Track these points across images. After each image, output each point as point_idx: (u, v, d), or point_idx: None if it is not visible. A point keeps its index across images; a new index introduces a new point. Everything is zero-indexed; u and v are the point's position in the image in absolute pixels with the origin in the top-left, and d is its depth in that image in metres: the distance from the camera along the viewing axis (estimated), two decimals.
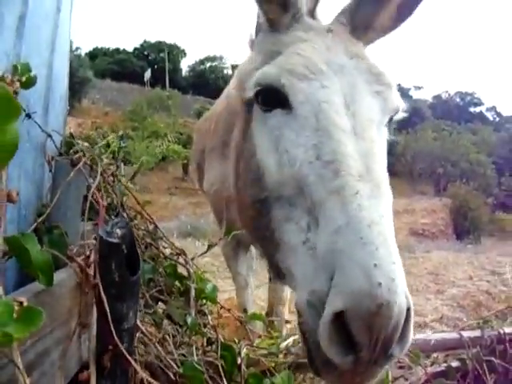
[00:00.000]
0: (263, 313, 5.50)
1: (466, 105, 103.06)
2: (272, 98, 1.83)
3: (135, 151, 27.30)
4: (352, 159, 1.56)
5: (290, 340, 2.45)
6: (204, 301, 2.28)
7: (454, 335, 2.90)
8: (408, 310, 1.40)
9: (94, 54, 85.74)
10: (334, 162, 1.57)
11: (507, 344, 3.10)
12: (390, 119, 1.94)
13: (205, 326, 2.21)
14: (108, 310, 1.25)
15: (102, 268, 1.26)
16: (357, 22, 2.06)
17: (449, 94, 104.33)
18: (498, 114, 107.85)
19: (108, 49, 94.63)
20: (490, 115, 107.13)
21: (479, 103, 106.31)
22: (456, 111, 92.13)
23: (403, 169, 52.81)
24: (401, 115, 2.01)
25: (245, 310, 4.08)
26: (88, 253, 1.73)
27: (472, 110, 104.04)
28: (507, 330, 3.22)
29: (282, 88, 1.78)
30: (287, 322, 4.36)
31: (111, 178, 2.61)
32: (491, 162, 49.76)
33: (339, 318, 1.33)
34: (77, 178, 1.91)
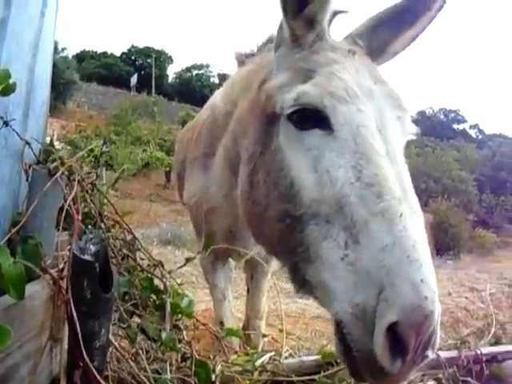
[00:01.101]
0: (240, 325, 5.46)
1: (449, 121, 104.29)
2: (310, 117, 1.87)
3: (118, 156, 27.12)
4: (392, 183, 1.67)
5: (266, 357, 2.41)
6: (180, 315, 2.24)
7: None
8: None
9: (81, 57, 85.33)
10: (376, 184, 1.68)
11: (484, 364, 3.10)
12: None
13: (180, 341, 2.17)
14: (78, 328, 1.22)
15: (74, 285, 1.22)
16: (373, 45, 2.15)
17: (433, 111, 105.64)
18: (481, 132, 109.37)
19: (95, 52, 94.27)
20: (473, 132, 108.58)
21: (463, 120, 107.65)
22: (439, 127, 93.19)
23: None
24: (409, 137, 2.06)
25: (221, 323, 4.02)
26: (62, 265, 1.70)
27: (455, 126, 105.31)
28: (484, 350, 3.22)
29: (323, 109, 1.83)
30: (264, 335, 4.30)
31: (90, 186, 2.56)
32: (473, 179, 50.41)
33: (393, 328, 1.46)
34: (54, 188, 1.87)
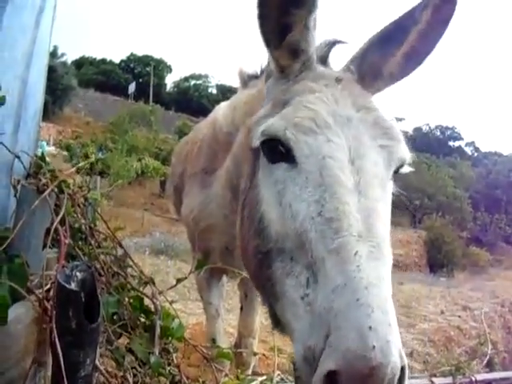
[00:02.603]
0: (232, 341, 5.39)
1: (445, 138, 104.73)
2: (277, 150, 1.81)
3: (114, 165, 27.04)
4: (353, 218, 1.56)
5: (257, 382, 2.34)
6: (169, 338, 2.17)
7: (425, 382, 2.83)
8: (402, 368, 1.37)
9: (80, 63, 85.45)
10: (335, 220, 1.57)
11: None
12: (396, 171, 1.90)
13: (169, 364, 2.10)
14: (61, 359, 1.15)
15: (59, 314, 1.16)
16: (365, 70, 2.05)
17: (429, 127, 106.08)
18: (477, 149, 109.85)
19: (94, 58, 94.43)
20: (468, 150, 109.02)
21: (459, 138, 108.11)
22: (436, 144, 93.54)
23: None
24: (407, 169, 1.97)
25: (213, 341, 3.96)
26: (49, 285, 1.63)
27: (451, 143, 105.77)
28: (479, 377, 3.16)
29: (286, 141, 1.77)
30: (255, 353, 4.25)
31: (82, 200, 2.49)
32: (468, 196, 50.58)
33: (333, 377, 1.33)
34: (42, 206, 1.81)
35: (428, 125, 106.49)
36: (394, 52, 2.04)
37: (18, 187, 1.85)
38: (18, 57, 1.88)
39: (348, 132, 1.76)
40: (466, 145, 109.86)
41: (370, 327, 1.32)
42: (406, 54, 2.04)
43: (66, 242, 1.61)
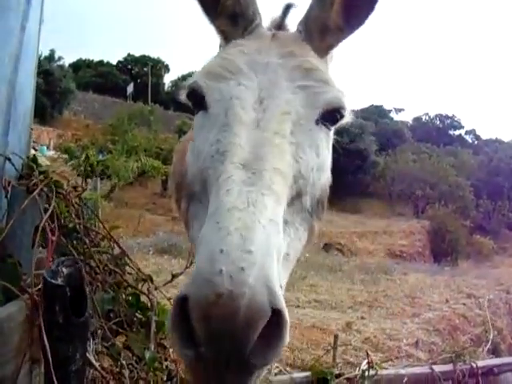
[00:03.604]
0: None
1: (445, 127, 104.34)
2: (198, 100, 1.85)
3: (113, 166, 27.08)
4: (239, 148, 1.54)
5: None
6: (166, 333, 2.18)
7: (426, 369, 2.84)
8: (276, 311, 1.20)
9: (77, 66, 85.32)
10: (225, 152, 1.56)
11: (479, 377, 3.04)
12: (333, 120, 1.86)
13: (166, 359, 2.11)
14: (49, 353, 1.17)
15: (46, 309, 1.17)
16: (311, 27, 2.02)
17: (429, 117, 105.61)
18: (477, 137, 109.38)
19: (92, 61, 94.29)
20: (469, 138, 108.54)
21: (459, 126, 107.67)
22: (436, 134, 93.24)
23: (382, 190, 53.38)
24: (349, 119, 1.94)
25: None
26: (41, 284, 1.64)
27: (451, 132, 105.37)
28: (480, 363, 3.17)
29: (200, 89, 1.81)
30: None
31: (76, 200, 2.51)
32: (469, 184, 50.47)
33: (183, 303, 1.20)
34: (33, 206, 1.82)
35: (427, 114, 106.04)
36: (328, 4, 1.96)
37: (9, 188, 1.86)
38: (5, 60, 1.89)
39: (263, 76, 1.77)
40: (467, 133, 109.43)
41: (222, 250, 1.21)
42: (343, 4, 1.95)
43: (54, 239, 1.61)
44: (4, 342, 1.43)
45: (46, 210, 1.85)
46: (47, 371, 1.33)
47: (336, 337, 6.31)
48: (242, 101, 1.69)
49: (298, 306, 11.31)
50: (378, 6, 1.94)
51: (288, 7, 2.17)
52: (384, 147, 59.78)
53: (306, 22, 2.02)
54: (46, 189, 1.94)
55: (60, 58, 69.57)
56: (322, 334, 8.10)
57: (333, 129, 1.90)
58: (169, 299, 2.43)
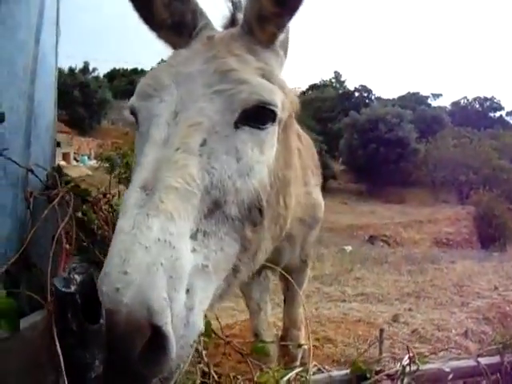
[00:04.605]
0: (278, 335, 5.37)
1: (485, 110, 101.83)
2: (135, 119, 1.87)
3: None
4: (143, 170, 1.54)
5: (292, 374, 2.31)
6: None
7: (471, 362, 2.72)
8: (156, 328, 1.27)
9: (112, 75, 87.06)
10: (134, 174, 1.60)
11: None
12: (261, 117, 1.78)
13: (199, 362, 2.10)
14: (61, 360, 1.19)
15: (59, 317, 1.19)
16: (249, 19, 1.96)
17: (467, 100, 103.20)
18: None
19: (126, 69, 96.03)
20: (510, 119, 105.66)
21: (499, 108, 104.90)
22: (475, 117, 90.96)
23: (425, 178, 52.51)
24: (285, 114, 1.89)
25: (256, 335, 3.96)
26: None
27: (492, 114, 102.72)
28: None
29: (133, 110, 1.84)
30: (300, 345, 4.20)
31: (106, 207, 2.53)
32: None
33: None
34: (55, 215, 1.84)
35: (466, 98, 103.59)
36: None
37: (31, 199, 1.89)
38: (20, 74, 1.92)
39: (183, 88, 1.74)
40: (507, 114, 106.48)
41: (105, 273, 1.31)
42: None
43: (68, 247, 1.63)
44: (27, 349, 1.44)
45: (73, 218, 1.87)
46: (68, 380, 1.34)
47: (382, 330, 6.19)
48: (158, 118, 1.68)
49: (344, 301, 11.18)
50: None
51: (235, 2, 2.16)
52: (424, 134, 58.84)
53: (245, 16, 1.98)
54: (70, 197, 1.95)
55: (94, 70, 71.19)
56: (368, 328, 7.97)
57: (270, 126, 1.82)
58: None
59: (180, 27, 1.99)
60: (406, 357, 2.51)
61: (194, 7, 2.01)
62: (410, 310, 10.03)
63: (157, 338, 1.27)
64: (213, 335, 2.26)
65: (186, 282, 1.42)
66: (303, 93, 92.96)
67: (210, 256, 1.56)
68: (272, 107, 1.78)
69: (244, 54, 1.87)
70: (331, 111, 78.14)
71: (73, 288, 1.14)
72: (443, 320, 8.85)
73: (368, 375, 2.37)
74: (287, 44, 2.13)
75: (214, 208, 1.60)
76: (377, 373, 2.40)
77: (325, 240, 25.48)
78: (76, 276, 1.17)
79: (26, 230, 1.95)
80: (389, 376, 2.40)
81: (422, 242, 30.24)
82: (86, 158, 51.22)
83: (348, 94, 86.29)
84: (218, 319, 2.81)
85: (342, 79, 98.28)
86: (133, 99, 1.84)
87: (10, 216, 1.86)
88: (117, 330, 1.23)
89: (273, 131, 1.84)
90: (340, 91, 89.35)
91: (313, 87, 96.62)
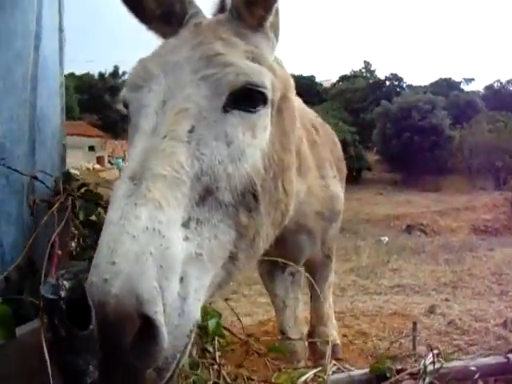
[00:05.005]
0: (305, 332, 5.31)
1: None
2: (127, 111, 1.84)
3: None
4: (132, 160, 1.51)
5: (310, 374, 2.26)
6: (208, 337, 2.14)
7: (501, 359, 2.58)
8: (145, 317, 1.24)
9: None
10: (125, 166, 1.58)
11: None
12: (250, 100, 1.74)
13: (212, 364, 2.08)
14: (49, 366, 1.19)
15: (49, 324, 1.18)
16: (236, 4, 1.92)
17: (501, 83, 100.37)
18: None
19: None
20: None
21: None
22: (510, 100, 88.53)
23: (461, 165, 51.56)
24: (269, 92, 1.79)
25: (282, 333, 3.93)
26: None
27: None
28: None
29: (125, 101, 1.80)
30: (327, 342, 4.13)
31: None
32: None
33: None
34: (60, 220, 1.85)
35: (499, 81, 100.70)
36: None
37: (34, 206, 1.90)
38: (19, 83, 1.92)
39: (171, 76, 1.71)
40: None
41: (95, 264, 1.28)
42: None
43: (59, 253, 1.63)
44: (26, 357, 1.44)
45: (70, 223, 1.87)
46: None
47: (415, 324, 6.07)
48: (147, 108, 1.66)
49: (380, 293, 11.06)
50: None
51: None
52: (458, 120, 57.70)
53: (232, 0, 1.94)
54: (70, 203, 1.95)
55: (124, 73, 72.20)
56: (404, 321, 7.84)
57: (262, 109, 1.78)
58: (210, 303, 2.39)
59: (169, 17, 1.98)
60: (430, 355, 2.42)
61: None
62: (446, 300, 9.85)
63: (147, 328, 1.24)
64: (229, 335, 2.24)
65: (179, 270, 1.40)
66: (333, 85, 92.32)
67: (203, 244, 1.53)
68: (261, 89, 1.75)
69: (231, 37, 1.84)
70: (363, 101, 77.26)
71: (62, 294, 1.13)
72: (481, 310, 8.65)
73: (388, 374, 2.29)
74: (278, 26, 2.08)
75: (206, 195, 1.56)
76: (398, 372, 2.31)
77: (361, 232, 25.29)
78: (65, 282, 1.16)
79: (37, 236, 1.96)
80: (411, 375, 2.32)
81: (459, 230, 29.67)
82: (120, 160, 51.96)
83: (379, 84, 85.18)
84: (239, 318, 2.78)
85: (372, 68, 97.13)
86: (124, 91, 1.82)
87: (15, 223, 1.87)
88: (106, 320, 1.22)
89: (265, 113, 1.80)
90: (370, 81, 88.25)
91: (343, 78, 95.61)
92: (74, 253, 2.35)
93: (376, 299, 10.05)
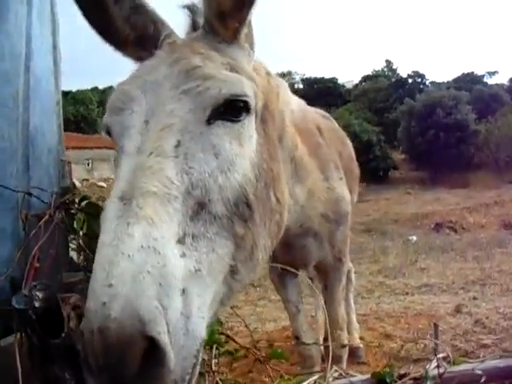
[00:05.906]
0: (321, 338, 5.28)
1: None
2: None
3: None
4: (119, 181, 1.50)
5: (310, 380, 2.25)
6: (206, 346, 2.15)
7: (510, 362, 2.51)
8: (150, 338, 1.20)
9: None
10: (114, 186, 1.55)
11: None
12: (235, 110, 1.73)
13: (207, 371, 2.09)
14: (20, 376, 1.20)
15: (23, 333, 1.20)
16: (209, 19, 1.91)
17: None
18: None
19: None
20: None
21: None
22: None
23: (488, 159, 50.70)
24: (251, 100, 1.79)
25: (297, 338, 3.92)
26: None
27: None
28: None
29: (108, 127, 1.79)
30: (344, 346, 4.10)
31: None
32: None
33: None
34: (52, 234, 1.88)
35: None
36: None
37: (26, 221, 1.95)
38: (9, 103, 1.96)
39: (151, 95, 1.70)
40: None
41: (91, 289, 1.24)
42: None
43: (37, 265, 1.66)
44: (12, 363, 1.45)
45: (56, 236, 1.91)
46: None
47: (436, 326, 5.95)
48: (130, 129, 1.65)
49: (407, 293, 10.90)
50: None
51: (190, 7, 2.09)
52: (483, 114, 56.63)
53: (205, 16, 1.94)
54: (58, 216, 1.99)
55: None
56: (429, 321, 7.67)
57: (246, 117, 1.78)
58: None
59: (144, 41, 1.97)
60: (434, 360, 2.38)
61: (155, 18, 1.98)
62: (474, 298, 9.66)
63: (152, 351, 1.20)
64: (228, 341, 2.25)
65: (180, 288, 1.36)
66: (356, 85, 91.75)
67: (201, 259, 1.50)
68: (244, 98, 1.75)
69: (208, 51, 1.84)
70: (386, 101, 76.49)
71: (36, 304, 1.15)
72: (510, 307, 8.46)
73: (388, 380, 2.25)
74: (252, 38, 2.08)
75: (199, 209, 1.55)
76: (401, 377, 2.28)
77: (389, 232, 24.98)
78: (38, 293, 1.17)
79: (28, 250, 2.01)
80: (415, 379, 2.28)
81: (489, 226, 29.00)
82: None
83: (401, 82, 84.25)
84: (247, 326, 2.79)
85: (394, 67, 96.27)
86: (105, 116, 1.81)
87: (10, 238, 1.92)
88: (109, 347, 1.17)
89: (249, 121, 1.81)
90: (393, 79, 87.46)
91: (365, 78, 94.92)
92: (82, 264, 2.39)
93: (402, 300, 9.90)
